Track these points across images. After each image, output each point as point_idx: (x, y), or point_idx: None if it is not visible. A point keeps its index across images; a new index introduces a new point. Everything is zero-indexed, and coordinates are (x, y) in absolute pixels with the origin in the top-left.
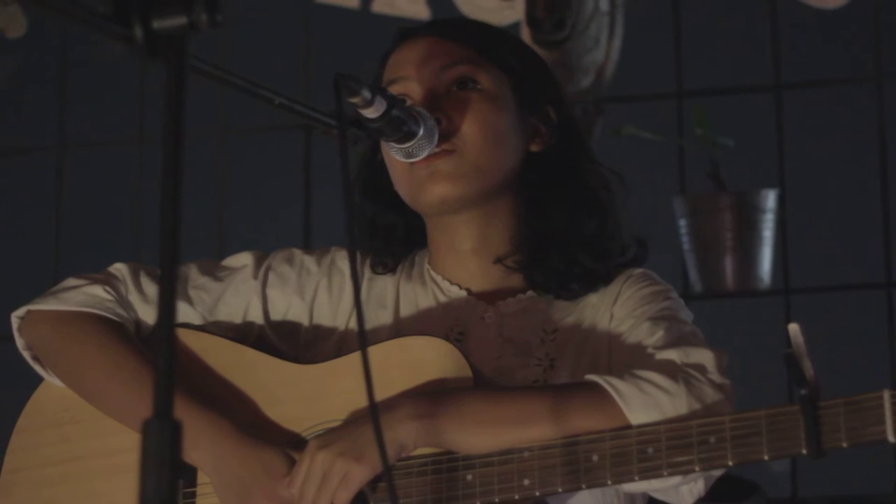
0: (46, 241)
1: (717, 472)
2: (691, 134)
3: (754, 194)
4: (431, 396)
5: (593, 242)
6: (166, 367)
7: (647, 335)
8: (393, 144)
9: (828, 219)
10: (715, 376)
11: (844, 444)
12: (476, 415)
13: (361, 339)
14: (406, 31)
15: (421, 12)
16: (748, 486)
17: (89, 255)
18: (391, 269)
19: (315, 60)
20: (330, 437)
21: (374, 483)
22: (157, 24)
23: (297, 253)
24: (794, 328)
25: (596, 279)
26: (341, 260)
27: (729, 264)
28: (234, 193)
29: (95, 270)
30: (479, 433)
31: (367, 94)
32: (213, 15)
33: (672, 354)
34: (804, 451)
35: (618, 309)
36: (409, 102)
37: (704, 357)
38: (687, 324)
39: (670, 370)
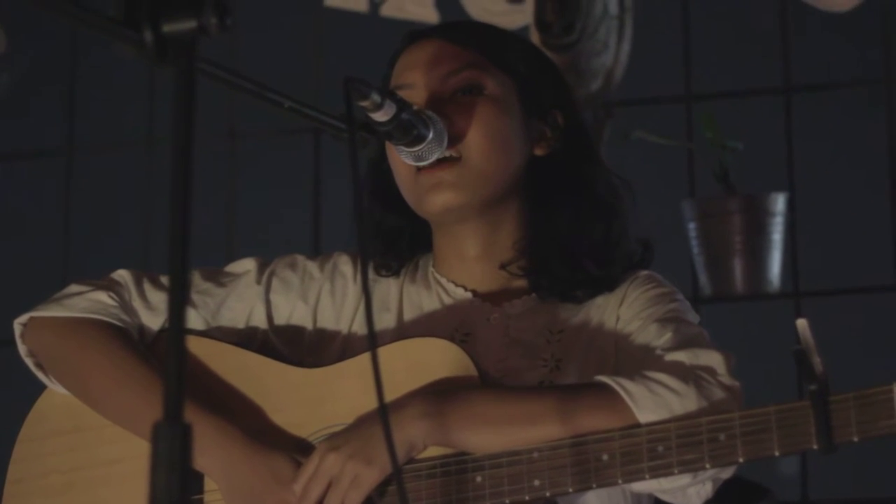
0: (55, 245)
1: (726, 475)
2: (700, 137)
3: (763, 198)
4: (439, 395)
5: (599, 249)
6: (177, 369)
7: (655, 337)
8: (402, 148)
9: (837, 222)
10: (725, 378)
11: (855, 439)
12: (484, 413)
13: (371, 341)
14: (413, 33)
15: (430, 16)
16: (758, 490)
17: (98, 259)
18: (395, 273)
19: (324, 64)
20: (339, 439)
21: (382, 486)
22: (166, 28)
23: (300, 258)
24: (802, 324)
25: (601, 286)
26: (344, 264)
27: (738, 268)
28: (243, 197)
29: (104, 274)
30: (487, 431)
31: (376, 97)
32: (223, 19)
33: (681, 356)
34: (815, 447)
35: (624, 310)
36: (417, 106)
37: (713, 359)
38: (694, 325)
39: (680, 372)
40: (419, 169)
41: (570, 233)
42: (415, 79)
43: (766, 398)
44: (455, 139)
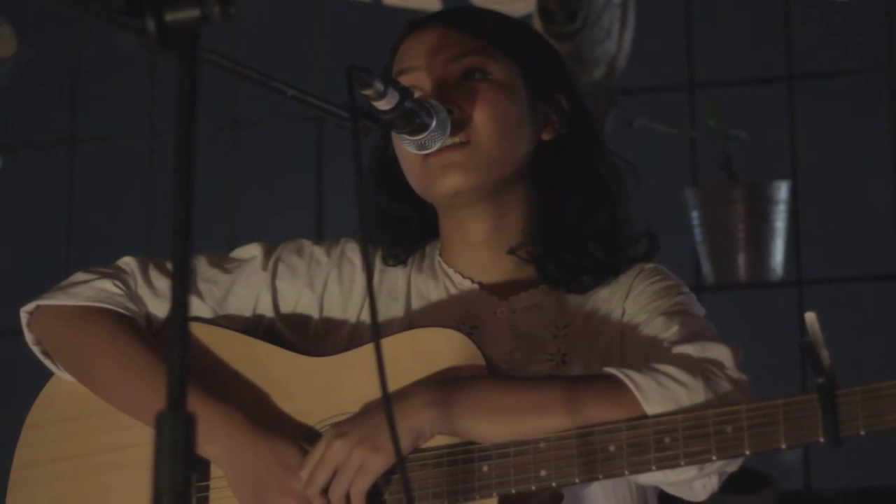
0: (58, 236)
1: (732, 468)
2: (703, 125)
3: (766, 185)
4: (446, 384)
5: (605, 233)
6: (179, 359)
7: (662, 330)
8: (405, 136)
9: (840, 210)
10: (732, 372)
11: (862, 432)
12: (491, 402)
13: (375, 330)
14: (416, 21)
15: (433, 4)
16: (761, 478)
17: (101, 250)
18: (402, 262)
19: (327, 53)
20: (346, 426)
21: (388, 475)
22: (169, 17)
23: (307, 244)
24: (810, 317)
25: (607, 271)
26: (351, 251)
27: (741, 256)
28: (246, 186)
29: (107, 265)
30: (494, 420)
31: (379, 85)
32: (226, 7)
33: (688, 349)
34: (822, 440)
35: (630, 304)
36: (420, 94)
37: (721, 352)
38: (701, 319)
39: (688, 364)
40: (427, 153)
41: (577, 217)
42: (418, 65)
43: (769, 385)
44: (463, 124)
